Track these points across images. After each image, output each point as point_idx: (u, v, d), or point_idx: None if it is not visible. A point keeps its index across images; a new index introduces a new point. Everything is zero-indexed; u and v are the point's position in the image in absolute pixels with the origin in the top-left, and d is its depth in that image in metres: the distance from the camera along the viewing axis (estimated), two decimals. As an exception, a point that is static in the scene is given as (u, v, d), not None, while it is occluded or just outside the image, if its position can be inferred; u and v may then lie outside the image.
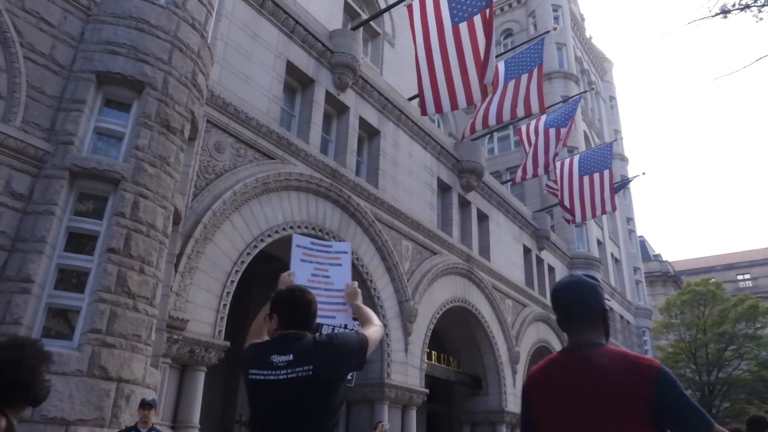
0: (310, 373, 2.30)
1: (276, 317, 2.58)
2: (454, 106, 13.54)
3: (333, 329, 3.21)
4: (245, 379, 2.43)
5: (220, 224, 9.59)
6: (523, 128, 19.83)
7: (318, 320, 2.82)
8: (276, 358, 2.36)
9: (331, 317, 3.39)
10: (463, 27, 13.24)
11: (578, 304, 2.11)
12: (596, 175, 20.46)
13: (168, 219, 7.38)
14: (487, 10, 13.07)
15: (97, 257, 6.56)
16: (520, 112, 16.80)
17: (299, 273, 3.52)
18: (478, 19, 13.14)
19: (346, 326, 3.35)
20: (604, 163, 20.96)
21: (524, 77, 16.60)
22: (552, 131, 18.96)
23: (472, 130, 17.60)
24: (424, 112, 14.05)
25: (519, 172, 19.76)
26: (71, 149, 6.64)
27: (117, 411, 6.17)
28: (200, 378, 8.98)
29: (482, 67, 12.99)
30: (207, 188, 9.51)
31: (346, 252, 3.78)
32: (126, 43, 7.21)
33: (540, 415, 2.05)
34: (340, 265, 3.71)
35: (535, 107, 16.61)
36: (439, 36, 13.41)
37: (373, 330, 2.75)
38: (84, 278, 6.51)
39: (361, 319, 3.03)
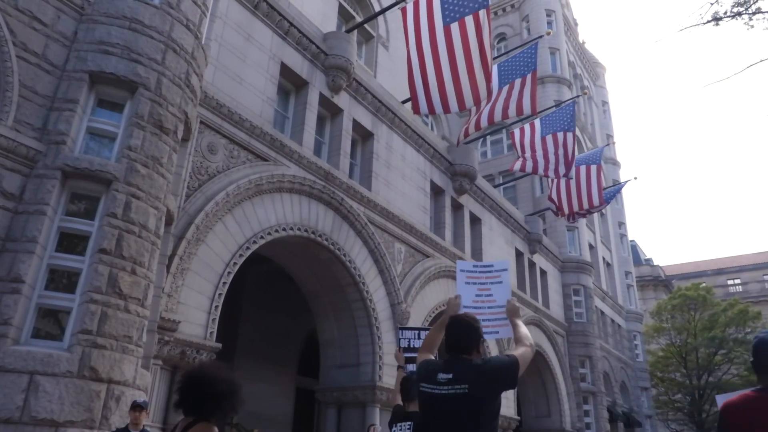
0: (465, 391, 2.79)
1: (445, 339, 3.18)
2: (446, 109, 13.57)
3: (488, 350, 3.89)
4: (418, 390, 3.03)
5: (213, 225, 9.57)
6: (516, 132, 19.85)
7: (484, 335, 3.26)
8: (441, 376, 2.89)
9: (494, 332, 3.76)
10: (455, 27, 13.26)
11: None
12: (582, 168, 20.40)
13: (160, 220, 7.36)
14: (481, 13, 13.10)
15: (88, 258, 6.53)
16: (512, 113, 16.84)
17: (465, 295, 3.91)
18: (470, 20, 13.17)
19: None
20: (593, 158, 21.03)
21: (518, 81, 16.64)
22: (550, 138, 19.00)
23: (466, 134, 17.64)
24: (416, 111, 14.10)
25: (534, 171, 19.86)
26: (63, 149, 6.61)
27: (107, 412, 6.13)
28: (191, 380, 8.94)
29: (474, 72, 13.04)
30: (200, 189, 9.48)
31: (506, 269, 4.08)
32: (119, 43, 7.19)
33: None
34: (501, 282, 3.99)
35: (527, 108, 16.65)
36: (430, 37, 13.43)
37: (523, 351, 3.11)
38: (75, 279, 6.48)
39: (515, 338, 3.36)
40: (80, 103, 6.90)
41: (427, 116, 28.16)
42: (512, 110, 16.62)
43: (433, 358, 3.33)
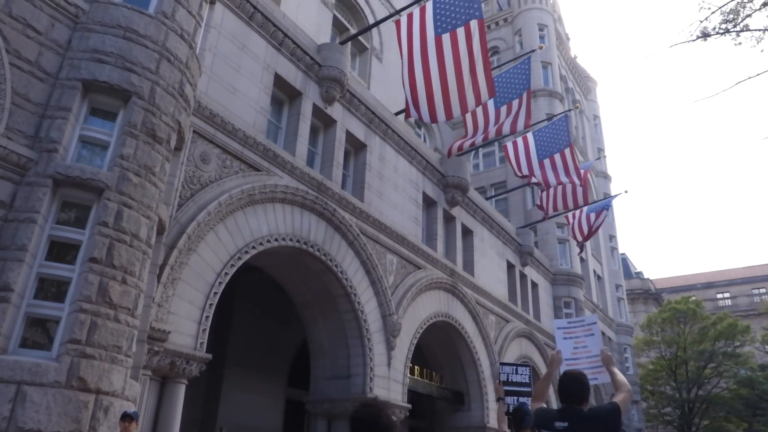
0: None
1: (559, 392, 3.81)
2: (433, 119, 13.72)
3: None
4: None
5: (205, 235, 9.54)
6: (509, 146, 19.97)
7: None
8: (558, 424, 3.48)
9: (594, 379, 4.50)
10: (446, 38, 13.44)
11: None
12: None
13: (152, 229, 7.33)
14: (472, 23, 13.26)
15: (78, 266, 6.48)
16: (506, 130, 16.96)
17: (564, 349, 4.81)
18: (461, 31, 13.36)
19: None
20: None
21: (515, 102, 16.73)
22: (547, 162, 19.07)
23: (460, 149, 17.73)
24: (408, 116, 14.24)
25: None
26: (55, 157, 6.58)
27: (95, 423, 6.06)
28: (181, 390, 8.87)
29: (462, 81, 13.20)
30: (192, 199, 9.46)
31: (594, 323, 5.09)
32: (113, 52, 7.19)
33: None
34: (593, 334, 4.94)
35: (521, 125, 16.79)
36: (422, 47, 13.64)
37: (623, 396, 3.76)
38: (64, 288, 6.43)
39: (615, 386, 3.99)
40: (73, 111, 6.88)
41: (419, 127, 28.32)
42: (506, 128, 16.73)
43: (545, 406, 4.13)
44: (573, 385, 3.68)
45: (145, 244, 7.12)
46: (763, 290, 53.46)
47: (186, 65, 8.11)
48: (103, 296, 6.38)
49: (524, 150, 19.40)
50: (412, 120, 14.13)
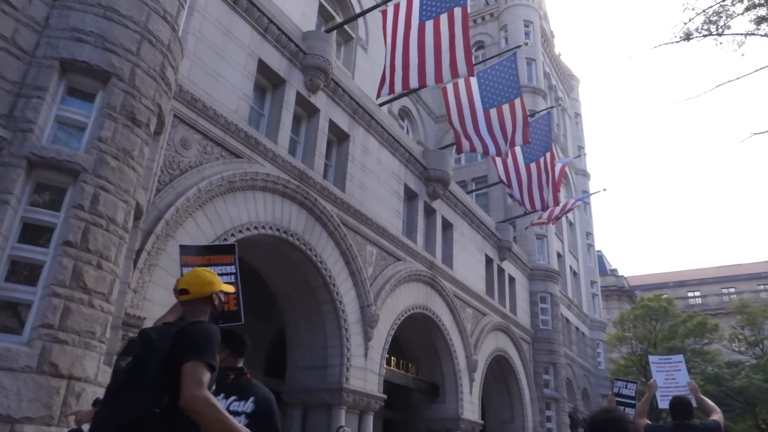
0: None
1: (671, 410, 4.97)
2: (405, 86, 13.89)
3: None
4: None
5: (183, 221, 9.41)
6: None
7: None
8: None
9: (686, 402, 5.48)
10: (429, 24, 13.68)
11: None
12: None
13: (129, 214, 7.20)
14: (456, 10, 13.42)
15: (52, 250, 6.33)
16: (503, 147, 16.79)
17: (658, 379, 6.53)
18: (444, 17, 13.60)
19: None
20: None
21: (506, 108, 16.52)
22: (533, 167, 19.15)
23: (459, 149, 17.68)
24: (378, 95, 14.39)
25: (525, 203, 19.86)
26: (30, 137, 6.41)
27: (66, 409, 5.96)
28: (155, 378, 8.77)
29: (440, 54, 13.36)
30: (171, 184, 9.32)
31: (681, 361, 6.80)
32: (93, 32, 7.01)
33: None
34: (680, 370, 6.67)
35: (519, 140, 16.68)
36: (405, 33, 13.95)
37: (719, 416, 4.88)
38: (37, 271, 6.28)
39: (706, 410, 5.19)
40: (50, 90, 6.70)
41: (402, 119, 28.27)
42: (504, 149, 16.61)
43: (649, 422, 5.28)
44: (685, 405, 4.86)
45: (122, 229, 6.99)
46: (732, 290, 54.70)
47: (168, 48, 7.95)
48: (77, 281, 6.25)
49: (514, 164, 19.47)
50: (384, 98, 14.30)
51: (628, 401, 8.02)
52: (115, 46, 7.11)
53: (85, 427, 5.70)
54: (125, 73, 7.16)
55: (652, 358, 7.01)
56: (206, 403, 2.22)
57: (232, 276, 3.64)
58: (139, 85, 7.34)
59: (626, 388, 8.34)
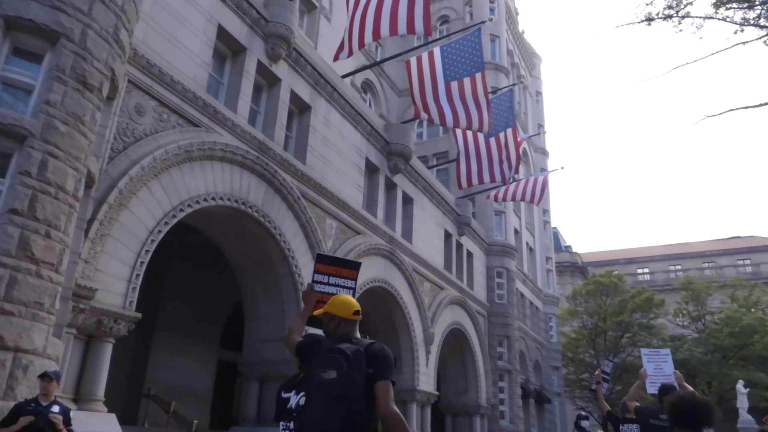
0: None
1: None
2: (361, 44, 14.31)
3: None
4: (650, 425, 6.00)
5: (137, 190, 9.14)
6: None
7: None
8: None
9: (672, 388, 6.14)
10: None
11: None
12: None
13: (80, 181, 6.95)
14: None
15: (-4, 218, 6.07)
16: (463, 125, 16.82)
17: (648, 369, 7.55)
18: None
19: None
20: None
21: (467, 82, 16.50)
22: (492, 141, 19.33)
23: (416, 115, 17.58)
24: (336, 58, 14.45)
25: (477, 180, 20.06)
26: (-29, 99, 6.08)
27: (12, 382, 5.80)
28: (107, 350, 8.61)
29: (397, 11, 13.46)
30: (124, 152, 9.01)
31: (668, 354, 7.97)
32: (40, -12, 6.64)
33: None
34: (666, 362, 7.79)
35: (484, 128, 16.81)
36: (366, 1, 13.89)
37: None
38: (-19, 240, 6.02)
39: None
40: (-7, 49, 6.35)
41: (365, 92, 28.01)
42: (463, 123, 16.66)
43: (638, 404, 6.41)
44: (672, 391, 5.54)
45: (72, 197, 6.75)
46: (678, 267, 57.03)
47: (122, 8, 7.61)
48: (24, 250, 6.03)
49: (474, 140, 19.64)
50: (347, 69, 14.44)
51: (605, 377, 9.16)
52: (64, 4, 6.76)
53: None
54: (75, 33, 6.83)
55: (643, 351, 8.26)
56: (401, 418, 2.75)
57: (351, 291, 4.11)
58: (91, 47, 7.02)
59: (606, 366, 9.66)
